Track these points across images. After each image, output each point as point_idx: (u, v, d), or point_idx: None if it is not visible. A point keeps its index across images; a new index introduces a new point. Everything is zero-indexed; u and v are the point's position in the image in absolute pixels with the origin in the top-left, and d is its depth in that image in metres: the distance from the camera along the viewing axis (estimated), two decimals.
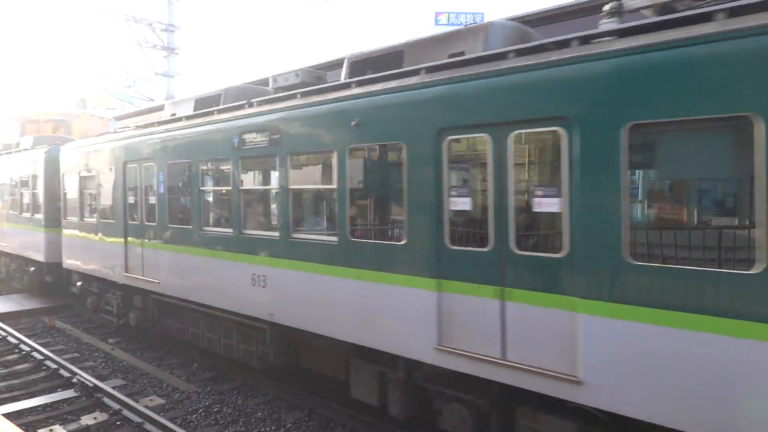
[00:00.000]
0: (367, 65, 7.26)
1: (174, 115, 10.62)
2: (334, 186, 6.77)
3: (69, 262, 13.41)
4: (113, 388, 8.99)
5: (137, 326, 11.23)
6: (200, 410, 8.30)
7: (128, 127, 12.49)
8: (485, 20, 7.55)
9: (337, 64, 10.35)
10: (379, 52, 7.24)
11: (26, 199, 15.93)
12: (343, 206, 6.65)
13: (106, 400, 8.53)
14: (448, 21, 45.30)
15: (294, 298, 7.38)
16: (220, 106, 9.18)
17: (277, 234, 7.62)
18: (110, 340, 12.15)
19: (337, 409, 7.96)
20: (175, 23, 27.51)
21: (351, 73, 7.49)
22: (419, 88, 5.85)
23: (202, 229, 8.98)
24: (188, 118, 9.72)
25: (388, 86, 6.22)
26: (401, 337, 6.07)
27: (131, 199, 10.96)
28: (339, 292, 6.74)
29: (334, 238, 6.80)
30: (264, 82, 10.64)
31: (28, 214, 15.77)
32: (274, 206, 8.35)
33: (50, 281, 15.13)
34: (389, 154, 6.85)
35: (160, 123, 10.54)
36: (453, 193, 5.64)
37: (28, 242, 15.57)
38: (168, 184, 9.86)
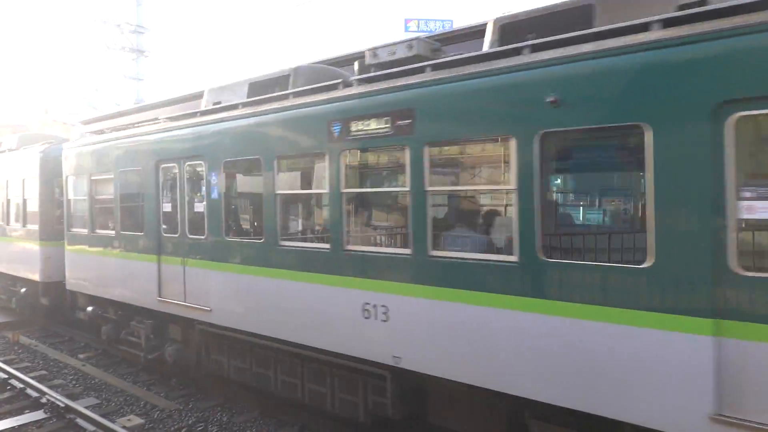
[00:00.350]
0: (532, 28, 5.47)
1: (218, 103, 8.63)
2: (511, 186, 4.94)
3: (75, 282, 11.20)
4: (86, 407, 8.39)
5: (175, 363, 9.12)
6: (183, 429, 7.78)
7: (145, 122, 10.41)
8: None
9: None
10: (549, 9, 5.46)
11: (15, 208, 13.58)
12: (530, 214, 4.81)
13: (79, 421, 7.97)
14: (418, 28, 44.97)
15: (435, 337, 5.51)
16: (295, 89, 7.28)
17: (407, 251, 5.75)
18: (80, 356, 11.38)
19: (329, 424, 7.46)
20: (144, 25, 25.88)
21: (503, 39, 5.69)
22: (692, 41, 4.04)
23: (279, 244, 7.03)
24: (248, 104, 7.76)
25: (622, 44, 4.40)
26: (644, 400, 4.26)
27: (167, 207, 8.90)
28: (520, 333, 4.90)
29: (512, 258, 4.95)
30: (335, 62, 8.74)
31: (18, 225, 13.42)
32: (396, 214, 6.50)
33: (47, 305, 12.82)
34: (615, 141, 5.04)
35: (203, 113, 8.54)
36: (746, 192, 3.88)
37: (19, 258, 13.23)
38: (224, 186, 7.86)
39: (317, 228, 7.39)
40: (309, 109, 6.73)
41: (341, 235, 6.32)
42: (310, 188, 7.40)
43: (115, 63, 26.23)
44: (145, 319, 9.57)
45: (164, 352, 9.18)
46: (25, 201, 13.15)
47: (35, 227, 12.66)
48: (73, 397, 9.01)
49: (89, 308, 10.83)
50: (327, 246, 6.51)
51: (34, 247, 12.57)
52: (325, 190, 6.53)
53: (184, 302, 8.52)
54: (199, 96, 10.63)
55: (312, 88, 6.93)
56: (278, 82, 7.99)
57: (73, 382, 9.90)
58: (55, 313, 13.21)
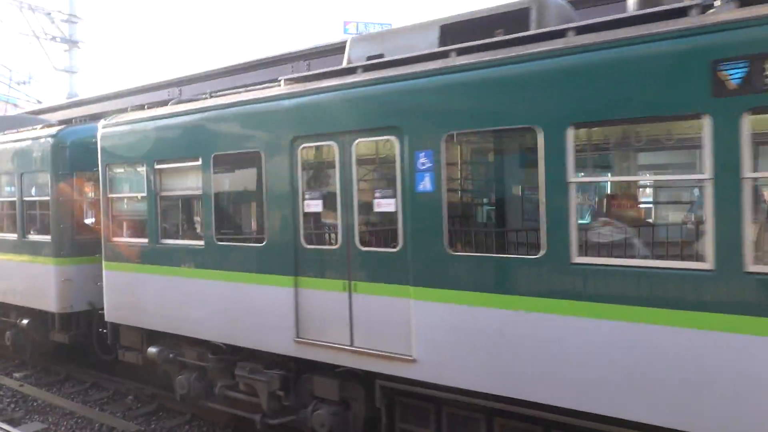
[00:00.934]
0: None
1: (379, 56, 5.98)
2: None
3: (122, 313, 8.05)
4: None
5: None
6: None
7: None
8: None
9: None
10: None
11: (12, 214, 10.09)
12: None
13: None
14: (357, 30, 45.20)
15: None
16: (546, 29, 4.86)
17: None
18: (16, 375, 10.24)
19: None
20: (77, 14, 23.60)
21: None
22: None
23: (561, 260, 4.48)
24: (485, 47, 5.13)
25: None
26: None
27: (313, 206, 6.07)
28: None
29: None
30: None
31: (12, 237, 9.95)
32: None
33: (64, 342, 9.47)
34: None
35: (365, 68, 5.83)
36: None
37: (23, 281, 9.76)
38: (445, 173, 5.17)
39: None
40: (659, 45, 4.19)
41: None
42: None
43: (42, 55, 23.42)
44: (263, 367, 6.65)
45: (309, 418, 6.28)
46: (24, 203, 9.72)
47: (46, 239, 9.30)
48: (14, 422, 8.11)
49: (153, 349, 7.71)
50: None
51: (47, 265, 9.22)
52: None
53: (353, 345, 5.76)
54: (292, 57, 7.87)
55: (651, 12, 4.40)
56: (506, 19, 5.44)
57: (13, 405, 8.87)
58: (74, 354, 9.89)
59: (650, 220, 6.62)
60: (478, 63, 4.99)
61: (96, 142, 8.16)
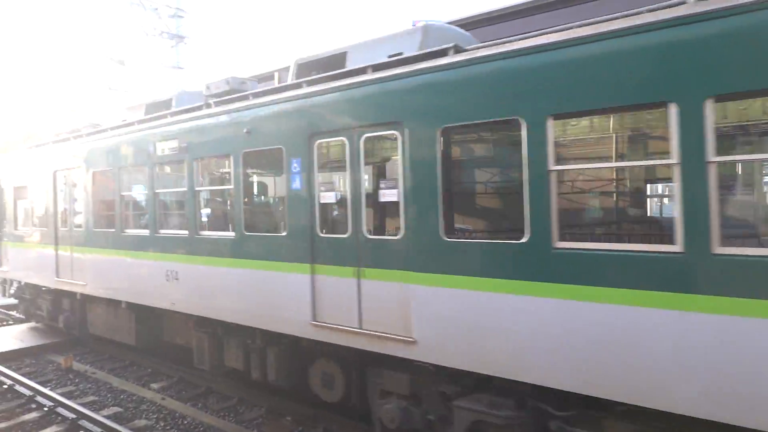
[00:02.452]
0: None
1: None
2: None
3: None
4: None
5: None
6: None
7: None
8: None
9: None
10: None
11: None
12: None
13: None
14: None
15: None
16: None
17: None
18: (153, 386, 9.64)
19: None
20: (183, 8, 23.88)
21: None
22: None
23: None
24: None
25: None
26: None
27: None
28: None
29: None
30: None
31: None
32: None
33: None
34: None
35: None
36: None
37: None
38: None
39: None
40: None
41: None
42: None
43: (148, 52, 24.01)
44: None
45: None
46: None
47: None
48: None
49: None
50: None
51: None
52: None
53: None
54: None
55: None
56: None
57: (162, 424, 7.99)
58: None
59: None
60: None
61: None
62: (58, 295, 12.18)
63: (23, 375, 10.26)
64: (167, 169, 9.26)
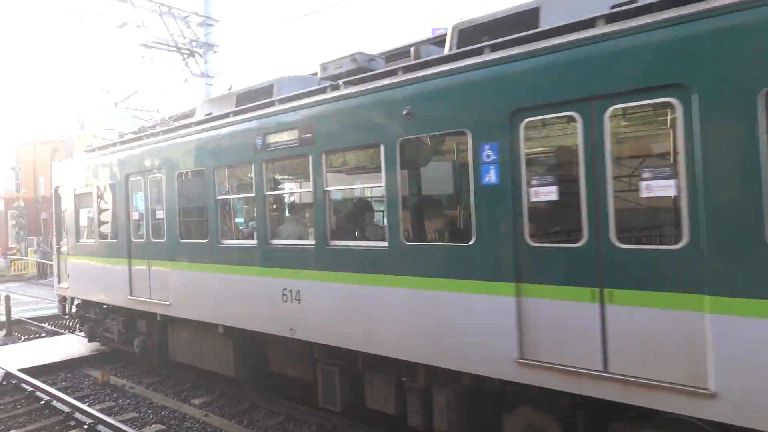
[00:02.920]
0: None
1: None
2: None
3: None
4: None
5: None
6: None
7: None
8: None
9: None
10: None
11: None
12: None
13: None
14: None
15: None
16: None
17: None
18: (195, 401, 9.15)
19: None
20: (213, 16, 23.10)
21: None
22: None
23: None
24: None
25: None
26: None
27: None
28: None
29: None
30: None
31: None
32: None
33: None
34: None
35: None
36: None
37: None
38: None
39: None
40: None
41: None
42: None
43: (179, 61, 22.91)
44: None
45: None
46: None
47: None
48: None
49: None
50: None
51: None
52: None
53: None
54: None
55: None
56: None
57: None
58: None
59: None
60: None
61: None
62: (131, 315, 10.71)
63: (60, 390, 9.70)
64: (281, 166, 7.73)
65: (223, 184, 8.38)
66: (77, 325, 13.47)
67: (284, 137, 7.16)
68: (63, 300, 12.83)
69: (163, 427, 8.03)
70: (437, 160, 6.32)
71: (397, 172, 5.88)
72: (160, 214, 9.45)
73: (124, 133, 11.57)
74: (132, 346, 10.65)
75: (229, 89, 10.39)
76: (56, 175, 12.72)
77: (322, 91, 6.95)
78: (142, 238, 9.95)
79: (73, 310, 12.40)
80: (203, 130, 8.54)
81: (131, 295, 10.15)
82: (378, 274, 6.10)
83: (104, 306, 11.64)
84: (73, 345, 12.75)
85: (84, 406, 8.61)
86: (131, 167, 10.13)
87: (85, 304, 12.17)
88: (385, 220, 6.04)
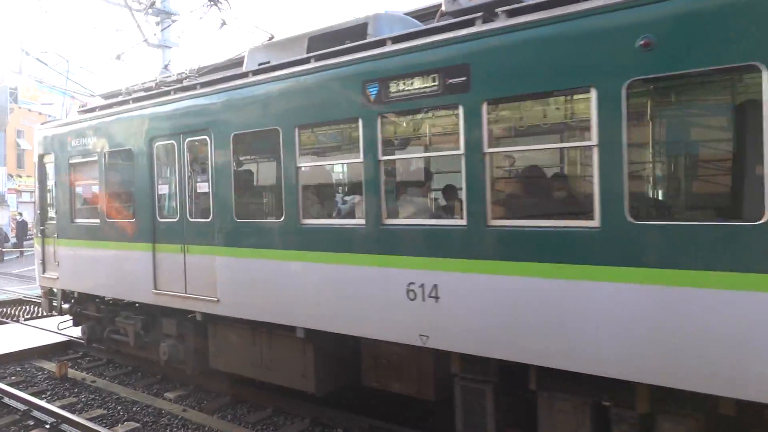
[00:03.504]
0: None
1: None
2: None
3: None
4: None
5: None
6: None
7: None
8: None
9: None
10: None
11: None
12: None
13: None
14: None
15: None
16: None
17: None
18: (168, 395, 8.43)
19: None
20: None
21: None
22: None
23: None
24: None
25: None
26: None
27: None
28: None
29: None
30: None
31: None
32: None
33: None
34: None
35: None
36: None
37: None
38: None
39: None
40: None
41: None
42: None
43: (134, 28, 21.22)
44: None
45: None
46: None
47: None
48: None
49: None
50: None
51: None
52: None
53: None
54: None
55: None
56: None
57: None
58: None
59: None
60: None
61: None
62: (152, 314, 8.69)
63: (10, 385, 8.74)
64: (405, 122, 5.99)
65: (306, 148, 6.55)
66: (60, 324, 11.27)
67: (415, 84, 5.42)
68: (49, 293, 10.57)
69: (137, 424, 7.31)
70: (695, 107, 4.74)
71: (622, 123, 4.27)
72: (203, 188, 7.49)
73: (132, 89, 9.40)
74: (153, 351, 8.65)
75: (270, 39, 8.49)
76: (40, 142, 10.38)
77: (470, 23, 5.24)
78: (174, 217, 7.95)
79: (65, 305, 10.16)
80: (272, 80, 6.65)
81: (156, 289, 8.14)
82: (581, 264, 4.51)
83: (109, 301, 9.52)
84: (19, 334, 11.72)
85: (42, 403, 7.78)
86: (158, 129, 8.07)
87: (82, 299, 9.99)
88: (604, 185, 4.41)
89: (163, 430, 7.18)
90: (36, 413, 7.64)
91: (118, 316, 9.07)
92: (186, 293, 7.75)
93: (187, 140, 7.68)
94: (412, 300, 5.51)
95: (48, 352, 10.86)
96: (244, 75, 7.18)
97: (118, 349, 9.60)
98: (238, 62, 8.70)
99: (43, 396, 8.50)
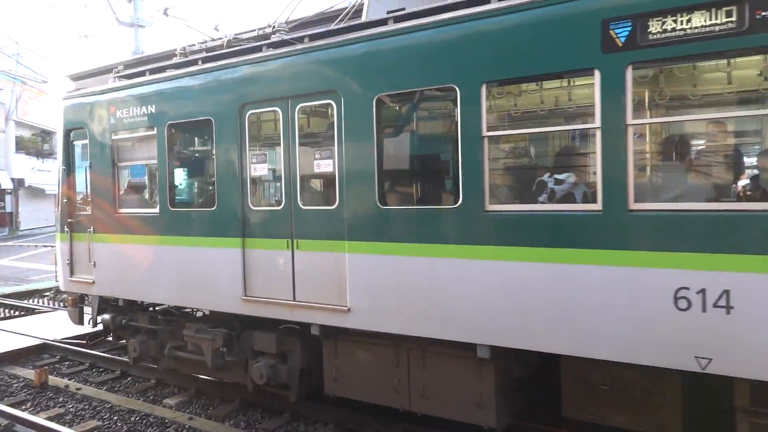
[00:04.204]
0: None
1: None
2: None
3: None
4: None
5: None
6: None
7: None
8: None
9: None
10: None
11: None
12: None
13: None
14: None
15: None
16: None
17: None
18: (168, 402, 7.63)
19: None
20: None
21: None
22: None
23: None
24: None
25: None
26: None
27: None
28: None
29: None
30: None
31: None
32: None
33: None
34: None
35: None
36: None
37: None
38: None
39: None
40: None
41: None
42: None
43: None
44: None
45: None
46: None
47: None
48: None
49: None
50: None
51: None
52: None
53: None
54: None
55: None
56: None
57: None
58: None
59: None
60: None
61: None
62: (232, 326, 7.01)
63: None
64: (672, 73, 4.55)
65: (496, 111, 5.05)
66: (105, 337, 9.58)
67: (695, 21, 4.01)
68: (79, 301, 8.68)
69: None
70: None
71: None
72: (325, 166, 5.87)
73: (190, 47, 7.62)
74: (237, 372, 6.97)
75: None
76: (67, 115, 8.46)
77: None
78: (276, 204, 6.30)
79: (104, 316, 8.30)
80: (443, 24, 5.11)
81: (247, 295, 6.49)
82: None
83: (166, 311, 7.77)
84: None
85: (26, 415, 6.96)
86: (252, 93, 6.37)
87: (125, 308, 8.18)
88: None
89: None
90: (19, 428, 6.80)
91: (186, 329, 7.32)
92: (294, 300, 6.13)
93: (299, 106, 6.04)
94: (683, 310, 4.11)
95: (19, 357, 9.84)
96: (383, 22, 5.61)
97: (177, 369, 7.82)
98: (333, 15, 7.11)
99: (24, 407, 7.58)
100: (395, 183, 5.63)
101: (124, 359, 8.95)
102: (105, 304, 8.37)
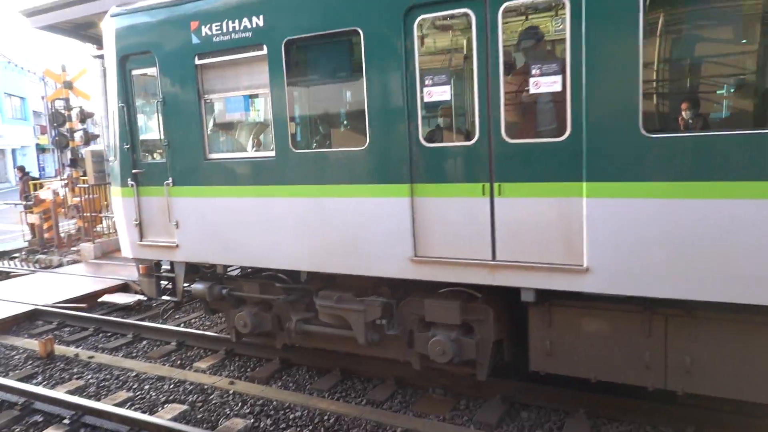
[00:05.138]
0: None
1: None
2: None
3: None
4: None
5: None
6: None
7: None
8: None
9: None
10: None
11: None
12: None
13: None
14: None
15: None
16: None
17: None
18: (199, 365, 6.97)
19: None
20: None
21: None
22: None
23: None
24: None
25: None
26: None
27: None
28: None
29: None
30: None
31: None
32: None
33: None
34: None
35: None
36: None
37: None
38: None
39: None
40: None
41: None
42: None
43: None
44: None
45: None
46: None
47: None
48: None
49: None
50: None
51: None
52: None
53: None
54: None
55: None
56: None
57: (267, 420, 5.51)
58: None
59: None
60: None
61: None
62: (396, 294, 5.66)
63: None
64: None
65: None
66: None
67: None
68: (155, 268, 7.10)
69: (184, 406, 5.90)
70: None
71: None
72: (550, 84, 4.41)
73: None
74: (398, 348, 5.69)
75: None
76: (120, 36, 6.58)
77: None
78: (466, 139, 4.86)
79: (196, 285, 6.78)
80: None
81: (418, 255, 5.12)
82: None
83: (272, 276, 6.34)
84: None
85: (45, 391, 6.14)
86: None
87: (224, 276, 6.68)
88: None
89: (221, 411, 5.81)
90: (40, 405, 6.02)
91: (320, 298, 5.91)
92: (494, 260, 4.82)
93: (504, 5, 4.50)
94: None
95: (8, 325, 8.91)
96: None
97: (314, 347, 6.48)
98: None
99: (36, 381, 6.83)
100: (667, 104, 4.27)
101: (132, 322, 8.39)
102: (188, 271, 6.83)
